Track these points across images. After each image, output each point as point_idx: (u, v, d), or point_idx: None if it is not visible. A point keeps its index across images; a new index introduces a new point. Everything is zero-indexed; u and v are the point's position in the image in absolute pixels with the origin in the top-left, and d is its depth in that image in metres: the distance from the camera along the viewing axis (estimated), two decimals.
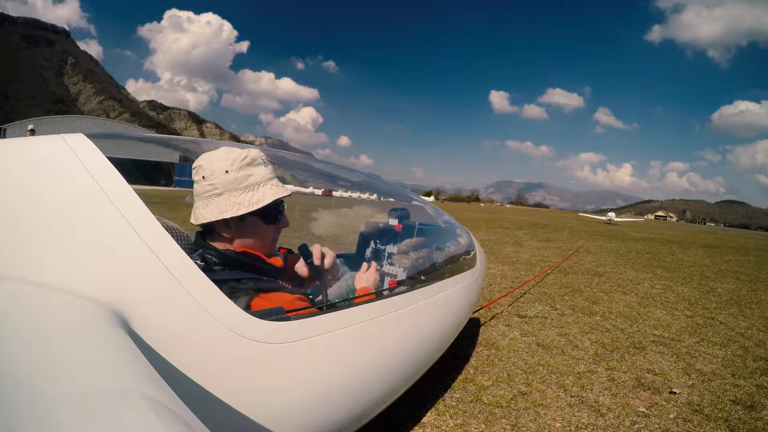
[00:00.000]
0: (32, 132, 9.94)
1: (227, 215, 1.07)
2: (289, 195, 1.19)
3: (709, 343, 3.25)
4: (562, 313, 3.85)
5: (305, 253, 1.31)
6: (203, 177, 1.07)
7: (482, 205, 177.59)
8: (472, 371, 2.41)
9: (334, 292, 1.47)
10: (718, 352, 3.06)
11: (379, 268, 1.65)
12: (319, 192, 2.46)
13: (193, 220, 1.11)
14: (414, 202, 2.29)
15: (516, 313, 3.75)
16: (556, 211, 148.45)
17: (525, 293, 4.59)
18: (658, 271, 7.25)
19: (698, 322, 3.93)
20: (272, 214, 1.17)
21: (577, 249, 10.02)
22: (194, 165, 1.09)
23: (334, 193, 2.51)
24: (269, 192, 1.13)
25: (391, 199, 2.41)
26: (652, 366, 2.67)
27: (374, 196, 2.55)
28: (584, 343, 3.02)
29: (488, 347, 2.80)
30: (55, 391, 0.43)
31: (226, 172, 1.07)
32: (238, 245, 1.13)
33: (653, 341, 3.19)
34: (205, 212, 1.07)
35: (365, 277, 1.46)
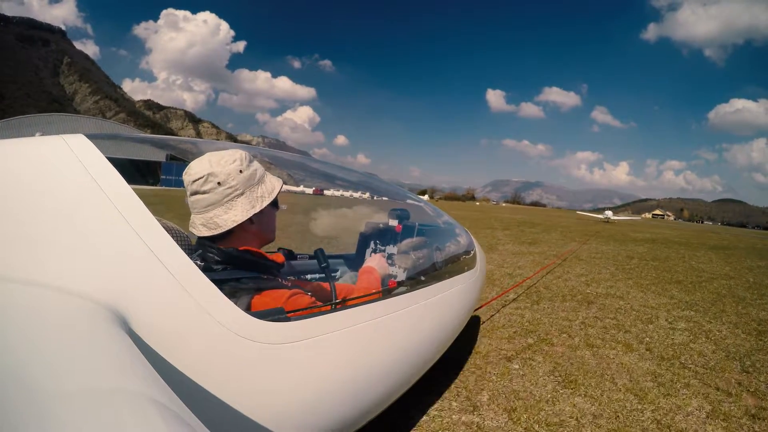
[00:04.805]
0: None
1: (256, 209, 1.10)
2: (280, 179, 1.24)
3: None
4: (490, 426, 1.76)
5: (320, 258, 1.36)
6: (218, 183, 1.06)
7: (478, 204, 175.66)
8: None
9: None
10: None
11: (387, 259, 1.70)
12: (309, 191, 2.39)
13: (216, 230, 1.07)
14: (409, 201, 2.25)
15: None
16: (553, 210, 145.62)
17: (446, 352, 2.44)
18: (674, 291, 5.11)
19: None
20: (275, 198, 1.20)
21: (564, 255, 7.89)
22: (199, 176, 1.05)
23: (326, 192, 2.48)
24: (273, 179, 1.20)
25: (385, 198, 2.41)
26: None
27: (366, 195, 2.44)
28: None
29: None
30: (54, 390, 0.43)
31: (240, 171, 1.09)
32: (250, 239, 1.14)
33: None
34: (231, 215, 1.07)
35: (375, 260, 1.54)
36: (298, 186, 2.24)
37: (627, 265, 7.26)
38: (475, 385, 2.22)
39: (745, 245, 16.42)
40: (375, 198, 2.47)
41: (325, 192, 2.47)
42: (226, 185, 1.06)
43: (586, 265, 6.87)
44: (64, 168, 0.79)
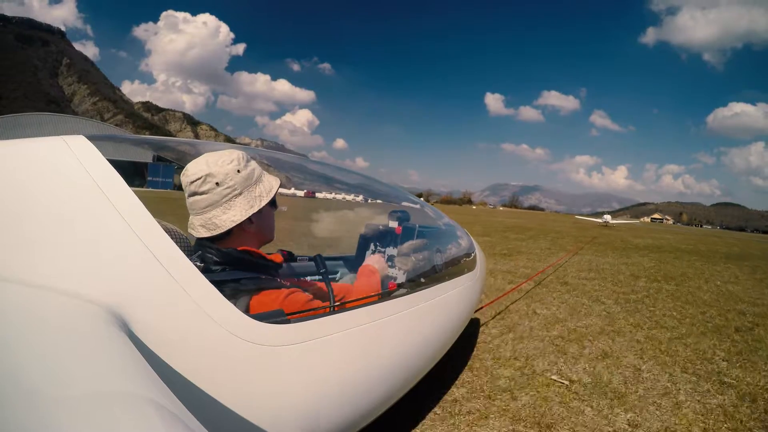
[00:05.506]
0: None
1: (255, 209, 1.11)
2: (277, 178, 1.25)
3: None
4: None
5: (319, 264, 1.36)
6: (217, 183, 1.06)
7: (474, 207, 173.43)
8: None
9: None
10: None
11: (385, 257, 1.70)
12: (301, 193, 2.33)
13: (215, 231, 1.07)
14: (404, 203, 2.24)
15: None
16: (551, 214, 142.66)
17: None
18: (718, 358, 2.87)
19: None
20: (274, 198, 1.20)
21: (536, 276, 5.74)
22: (196, 177, 1.06)
23: (318, 194, 2.43)
24: (271, 179, 1.21)
25: (379, 201, 2.41)
26: None
27: (359, 198, 2.41)
28: None
29: None
30: (54, 392, 0.43)
31: (238, 171, 1.09)
32: (248, 239, 1.14)
33: None
34: (230, 215, 1.07)
35: (375, 259, 1.56)
36: (289, 189, 2.15)
37: (631, 292, 5.04)
38: None
39: (760, 253, 14.59)
40: (369, 201, 2.47)
41: (317, 195, 2.43)
42: (224, 185, 1.06)
43: (570, 295, 4.61)
44: (65, 169, 0.79)
